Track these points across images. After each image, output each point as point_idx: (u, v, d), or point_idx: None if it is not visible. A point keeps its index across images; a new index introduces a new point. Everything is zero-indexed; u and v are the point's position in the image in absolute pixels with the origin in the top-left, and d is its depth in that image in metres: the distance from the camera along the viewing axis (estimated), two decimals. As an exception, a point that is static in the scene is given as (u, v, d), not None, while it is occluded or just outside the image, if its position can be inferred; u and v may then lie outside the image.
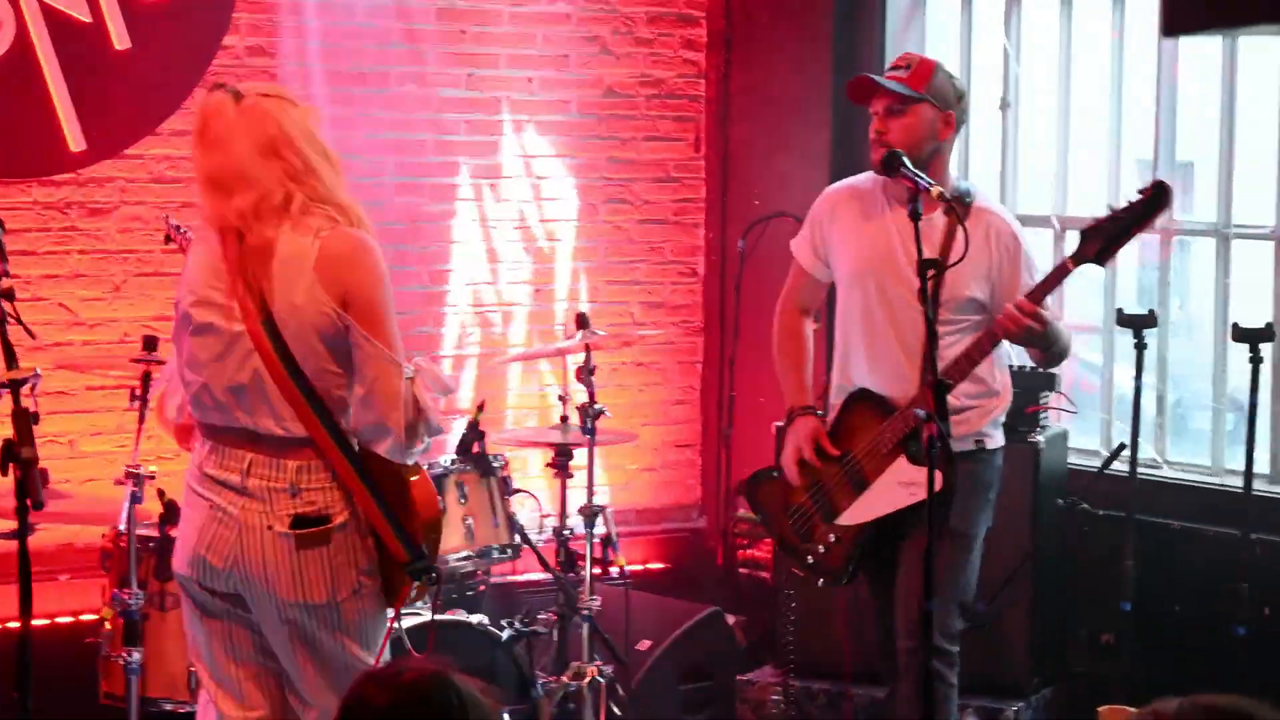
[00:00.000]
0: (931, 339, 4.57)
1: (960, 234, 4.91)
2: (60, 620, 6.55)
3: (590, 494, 6.33)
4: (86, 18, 7.05)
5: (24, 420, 3.58)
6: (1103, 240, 5.00)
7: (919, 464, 4.94)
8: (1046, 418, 6.94)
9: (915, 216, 4.71)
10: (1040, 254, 7.01)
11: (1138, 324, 6.40)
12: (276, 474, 4.36)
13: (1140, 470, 6.45)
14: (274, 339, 4.29)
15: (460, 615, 5.78)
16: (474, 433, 6.04)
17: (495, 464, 6.02)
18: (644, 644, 6.86)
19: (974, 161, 7.88)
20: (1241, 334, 6.30)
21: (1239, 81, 7.08)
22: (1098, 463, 6.93)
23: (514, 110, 8.02)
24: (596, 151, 8.23)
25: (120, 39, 7.12)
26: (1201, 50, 7.24)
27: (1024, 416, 6.73)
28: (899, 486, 5.30)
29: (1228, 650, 6.20)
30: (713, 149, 8.45)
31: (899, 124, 5.35)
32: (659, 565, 8.25)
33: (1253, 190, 7.13)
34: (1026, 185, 7.79)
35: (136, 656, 5.38)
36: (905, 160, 4.97)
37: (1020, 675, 6.77)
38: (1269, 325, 6.33)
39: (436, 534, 4.47)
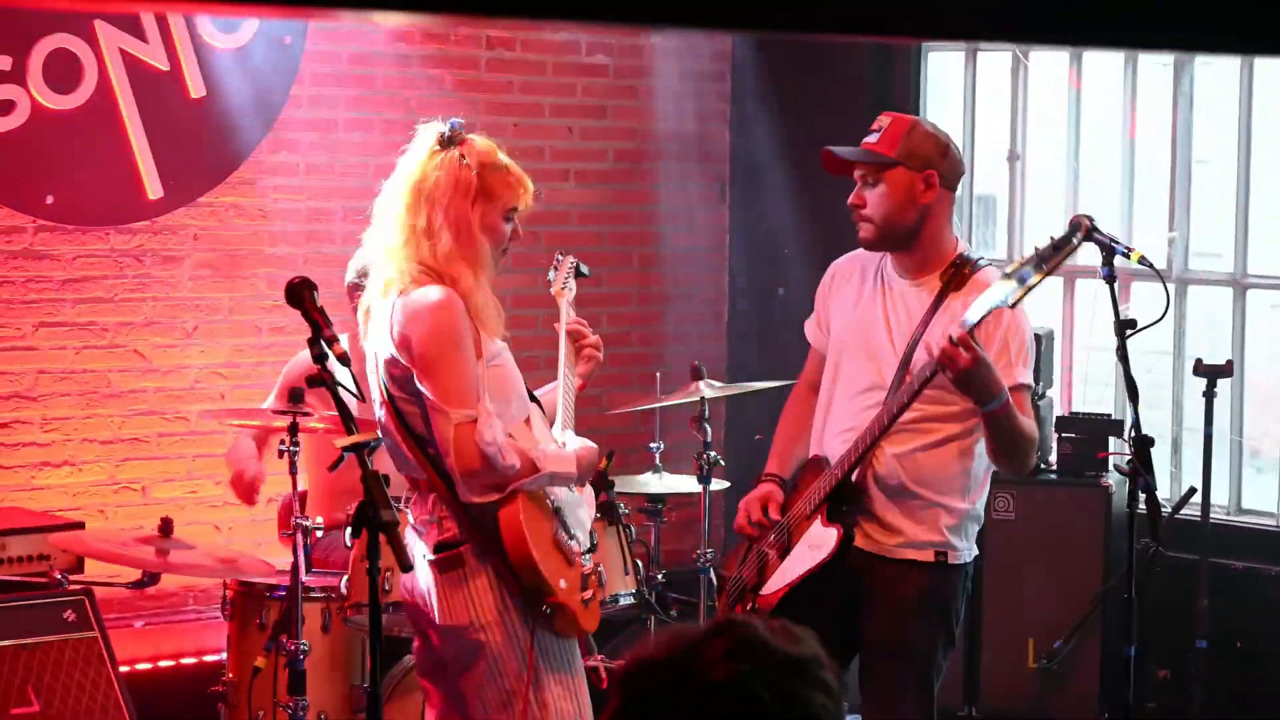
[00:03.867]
0: (1132, 392, 4.75)
1: (953, 305, 4.77)
2: (162, 664, 6.55)
3: (706, 540, 6.49)
4: (165, 66, 7.08)
5: (377, 482, 3.66)
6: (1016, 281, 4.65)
7: (833, 523, 4.87)
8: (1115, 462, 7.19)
9: (1111, 279, 4.82)
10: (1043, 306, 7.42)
11: (1212, 374, 6.70)
12: (424, 509, 4.52)
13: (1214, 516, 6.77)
14: (385, 389, 4.50)
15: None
16: (603, 481, 6.15)
17: (623, 512, 6.15)
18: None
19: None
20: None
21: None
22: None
23: (555, 159, 8.15)
24: (630, 200, 8.39)
25: (196, 87, 7.16)
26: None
27: (1094, 461, 7.01)
28: (808, 549, 4.93)
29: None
30: (739, 198, 8.64)
31: (873, 195, 4.87)
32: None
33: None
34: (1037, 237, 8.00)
35: (304, 703, 5.42)
36: (1096, 224, 4.79)
37: (1090, 712, 7.01)
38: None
39: (530, 571, 4.44)
